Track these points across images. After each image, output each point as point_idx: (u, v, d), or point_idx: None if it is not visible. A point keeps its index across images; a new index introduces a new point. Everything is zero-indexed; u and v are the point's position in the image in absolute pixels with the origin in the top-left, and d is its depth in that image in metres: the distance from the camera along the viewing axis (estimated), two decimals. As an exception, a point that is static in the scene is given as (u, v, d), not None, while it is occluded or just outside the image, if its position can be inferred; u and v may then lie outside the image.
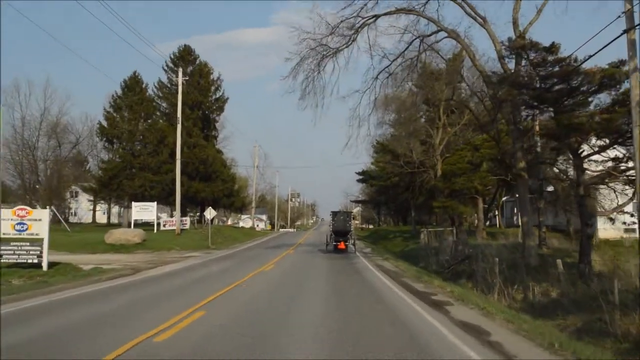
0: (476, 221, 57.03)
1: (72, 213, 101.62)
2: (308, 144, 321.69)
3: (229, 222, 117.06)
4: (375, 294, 20.16)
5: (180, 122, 60.77)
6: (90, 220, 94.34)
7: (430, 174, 53.41)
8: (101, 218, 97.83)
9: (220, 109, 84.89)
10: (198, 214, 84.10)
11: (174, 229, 60.55)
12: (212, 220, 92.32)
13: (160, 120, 73.16)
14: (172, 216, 70.93)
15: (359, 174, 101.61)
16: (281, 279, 25.22)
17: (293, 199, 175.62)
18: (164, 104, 78.48)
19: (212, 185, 76.62)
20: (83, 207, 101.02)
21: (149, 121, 70.19)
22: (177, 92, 78.60)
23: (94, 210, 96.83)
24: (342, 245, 46.84)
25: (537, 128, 34.34)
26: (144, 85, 71.11)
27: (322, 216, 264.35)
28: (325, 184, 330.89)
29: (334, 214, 48.99)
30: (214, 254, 45.01)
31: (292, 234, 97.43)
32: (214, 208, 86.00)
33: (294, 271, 29.98)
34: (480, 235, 49.61)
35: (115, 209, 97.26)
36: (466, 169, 49.20)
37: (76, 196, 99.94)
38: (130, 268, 30.18)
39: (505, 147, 37.09)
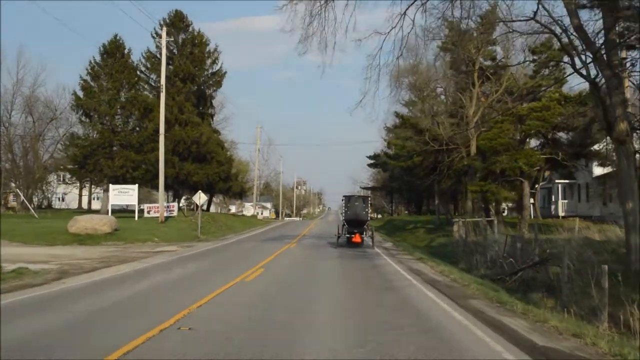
0: (515, 211, 46.70)
1: (59, 198, 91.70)
2: (314, 130, 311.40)
3: (233, 210, 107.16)
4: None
5: (164, 90, 50.67)
6: (77, 206, 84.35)
7: (461, 151, 43.20)
8: (93, 204, 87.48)
9: (217, 84, 74.56)
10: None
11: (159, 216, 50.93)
12: (207, 206, 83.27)
13: (146, 92, 62.59)
14: (169, 201, 61.99)
15: (370, 157, 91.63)
16: (264, 302, 14.68)
17: (299, 187, 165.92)
18: (153, 76, 68.30)
19: (206, 168, 66.49)
20: (75, 192, 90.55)
21: (132, 92, 59.73)
22: (167, 64, 69.70)
23: (80, 195, 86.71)
24: (357, 238, 37.10)
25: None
26: (126, 51, 60.55)
27: (329, 205, 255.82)
28: (332, 171, 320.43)
29: (347, 198, 38.81)
30: (196, 247, 35.28)
31: (297, 223, 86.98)
32: (209, 193, 76.52)
33: (289, 284, 19.23)
34: (525, 228, 39.41)
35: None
36: (509, 145, 39.14)
37: (64, 180, 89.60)
38: (60, 271, 21.10)
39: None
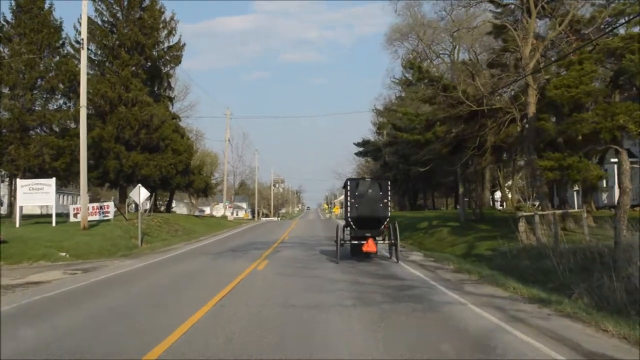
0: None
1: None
2: (294, 129, 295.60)
3: (208, 211, 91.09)
4: None
5: (85, 45, 35.02)
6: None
7: (512, 112, 28.00)
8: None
9: (175, 59, 58.70)
10: (150, 198, 58.04)
11: (91, 220, 35.77)
12: (167, 206, 67.57)
13: (75, 61, 46.32)
14: (141, 200, 45.99)
15: (358, 144, 76.26)
16: None
17: (277, 185, 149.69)
18: (92, 47, 52.50)
19: (157, 158, 50.79)
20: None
21: (57, 59, 43.50)
22: (110, 31, 53.90)
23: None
24: (370, 246, 22.20)
25: None
26: (47, 6, 44.25)
27: (308, 204, 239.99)
28: (312, 167, 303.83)
29: (354, 183, 23.54)
30: (100, 272, 20.30)
31: (275, 224, 70.19)
32: (165, 190, 60.58)
33: None
34: (624, 224, 24.36)
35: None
36: (596, 94, 24.29)
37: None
38: None
39: None
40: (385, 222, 23.19)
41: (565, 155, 24.43)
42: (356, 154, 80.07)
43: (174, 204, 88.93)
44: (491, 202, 63.58)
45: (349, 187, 23.01)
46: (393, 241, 23.14)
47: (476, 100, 29.83)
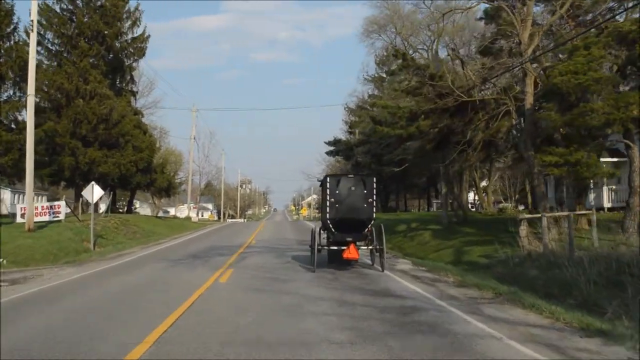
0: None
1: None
2: (263, 128, 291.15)
3: (173, 212, 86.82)
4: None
5: (35, 28, 31.38)
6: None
7: (507, 103, 24.83)
8: None
9: (139, 51, 54.77)
10: (111, 197, 53.91)
11: (40, 221, 32.52)
12: (127, 207, 63.23)
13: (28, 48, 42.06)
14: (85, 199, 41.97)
15: (329, 143, 72.88)
16: None
17: (244, 186, 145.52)
18: (49, 36, 48.47)
19: (117, 155, 46.86)
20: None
21: (7, 45, 39.30)
22: (69, 19, 49.82)
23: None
24: (351, 252, 18.96)
25: None
26: (-5, -16, 40.20)
27: (275, 205, 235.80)
28: (280, 168, 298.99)
29: (335, 181, 19.87)
30: (27, 285, 16.75)
31: (242, 226, 66.21)
32: (125, 189, 56.55)
33: None
34: (635, 227, 21.58)
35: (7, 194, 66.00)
36: (606, 82, 21.30)
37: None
38: None
39: None
40: (369, 226, 19.84)
41: (572, 150, 21.28)
42: (327, 153, 76.63)
43: (137, 205, 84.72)
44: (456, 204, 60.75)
45: (328, 185, 19.54)
46: (378, 247, 19.78)
47: (466, 91, 26.60)
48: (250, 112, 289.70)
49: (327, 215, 19.37)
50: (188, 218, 70.17)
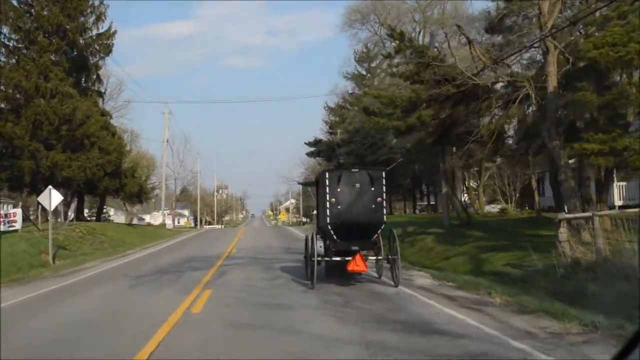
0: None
1: None
2: (239, 135, 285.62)
3: (149, 220, 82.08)
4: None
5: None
6: None
7: (526, 87, 20.94)
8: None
9: (105, 49, 50.16)
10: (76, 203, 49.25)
11: None
12: (97, 214, 58.42)
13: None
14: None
15: (310, 144, 68.79)
16: None
17: (220, 191, 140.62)
18: (5, 30, 44.05)
19: (82, 158, 42.35)
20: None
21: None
22: (27, 12, 45.17)
23: None
24: (358, 264, 14.92)
25: None
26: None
27: (252, 211, 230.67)
28: (257, 172, 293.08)
29: (335, 176, 15.81)
30: None
31: (219, 232, 61.40)
32: (92, 194, 51.87)
33: None
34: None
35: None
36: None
37: None
38: None
39: None
40: (378, 232, 15.83)
41: (615, 136, 17.38)
42: (308, 154, 72.29)
43: (111, 213, 79.91)
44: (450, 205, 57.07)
45: (327, 182, 15.45)
46: (390, 256, 15.75)
47: (474, 75, 22.67)
48: (226, 118, 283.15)
49: (327, 219, 15.27)
50: (162, 225, 65.54)
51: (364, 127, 55.31)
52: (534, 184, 33.11)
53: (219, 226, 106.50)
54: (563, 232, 16.77)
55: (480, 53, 22.20)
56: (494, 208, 47.00)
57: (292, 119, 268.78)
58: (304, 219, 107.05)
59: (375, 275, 17.11)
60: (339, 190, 15.31)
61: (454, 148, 28.94)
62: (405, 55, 24.90)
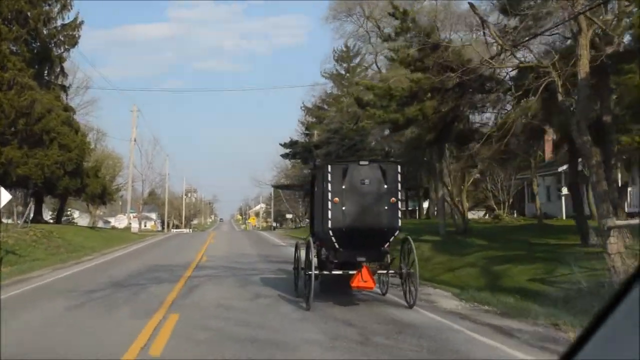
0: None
1: None
2: (210, 139, 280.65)
3: (114, 223, 77.57)
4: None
5: None
6: None
7: (551, 73, 17.66)
8: None
9: (70, 40, 46.30)
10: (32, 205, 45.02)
11: None
12: (57, 216, 54.02)
13: None
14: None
15: (285, 145, 65.27)
16: None
17: (189, 194, 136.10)
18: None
19: (40, 155, 38.33)
20: None
21: None
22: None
23: None
24: (366, 280, 11.49)
25: None
26: None
27: (220, 215, 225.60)
28: (227, 175, 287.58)
29: (338, 169, 12.26)
30: None
31: (188, 237, 57.27)
32: (51, 193, 47.60)
33: None
34: None
35: None
36: None
37: None
38: None
39: None
40: (392, 238, 12.45)
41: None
42: (283, 155, 68.40)
43: (76, 215, 75.63)
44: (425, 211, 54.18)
45: (329, 177, 12.02)
46: (406, 270, 12.38)
47: (486, 62, 19.40)
48: (197, 122, 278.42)
49: (329, 223, 11.80)
50: (128, 228, 61.33)
51: (343, 127, 52.07)
52: (535, 188, 30.03)
53: (187, 230, 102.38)
54: (614, 243, 13.49)
55: (496, 36, 18.91)
56: (474, 214, 43.92)
57: (266, 121, 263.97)
58: (275, 224, 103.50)
59: (379, 291, 13.70)
60: (343, 187, 11.92)
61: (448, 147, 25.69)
62: (406, 39, 21.47)
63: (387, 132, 48.41)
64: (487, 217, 39.02)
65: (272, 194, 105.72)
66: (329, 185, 11.91)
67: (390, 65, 37.58)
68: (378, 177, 12.08)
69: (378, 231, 12.04)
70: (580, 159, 21.47)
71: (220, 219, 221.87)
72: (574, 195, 20.26)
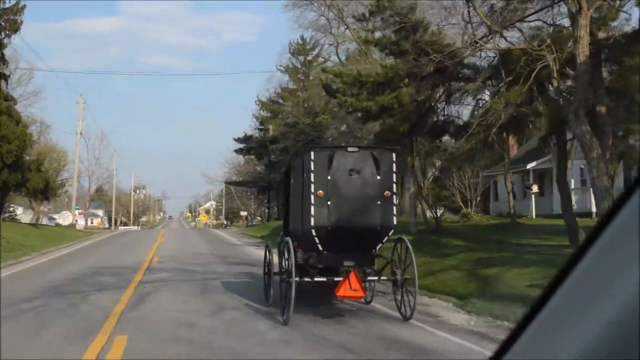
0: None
1: None
2: (160, 137, 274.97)
3: (59, 220, 73.75)
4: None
5: None
6: None
7: (546, 57, 15.85)
8: None
9: (12, 25, 43.12)
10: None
11: None
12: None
13: None
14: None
15: (239, 140, 62.76)
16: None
17: (137, 191, 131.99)
18: None
19: (-27, 147, 35.33)
20: None
21: None
22: None
23: None
24: (354, 287, 9.50)
25: None
26: None
27: (169, 212, 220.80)
28: (177, 172, 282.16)
29: (323, 157, 10.10)
30: None
31: (136, 235, 54.08)
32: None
33: None
34: None
35: None
36: None
37: None
38: None
39: None
40: (385, 239, 10.34)
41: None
42: (236, 151, 65.68)
43: (19, 211, 71.70)
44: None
45: (312, 165, 9.85)
46: (402, 277, 10.29)
47: (470, 46, 17.53)
48: (145, 115, 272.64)
49: (311, 220, 9.64)
50: (72, 225, 58.02)
51: (299, 122, 49.99)
52: (509, 185, 28.34)
53: (136, 227, 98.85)
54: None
55: (484, 16, 17.01)
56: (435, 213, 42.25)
57: (219, 116, 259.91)
58: (226, 222, 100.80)
59: (362, 300, 11.58)
60: (329, 178, 9.74)
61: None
62: (383, 19, 19.43)
63: (344, 127, 46.73)
64: (445, 215, 37.51)
65: (224, 191, 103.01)
66: (312, 175, 9.74)
67: (357, 51, 35.61)
68: (370, 167, 9.98)
69: (369, 230, 9.99)
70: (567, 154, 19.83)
71: (170, 216, 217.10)
72: (563, 193, 18.49)
